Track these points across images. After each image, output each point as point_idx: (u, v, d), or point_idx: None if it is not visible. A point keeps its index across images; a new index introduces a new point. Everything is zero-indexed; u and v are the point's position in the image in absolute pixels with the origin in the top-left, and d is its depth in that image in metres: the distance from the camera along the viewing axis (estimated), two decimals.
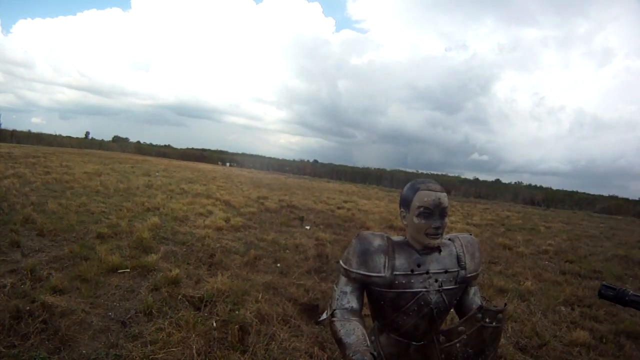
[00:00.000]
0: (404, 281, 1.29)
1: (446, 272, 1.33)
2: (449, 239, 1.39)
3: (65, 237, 5.15)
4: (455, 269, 1.34)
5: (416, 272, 1.30)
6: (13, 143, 35.33)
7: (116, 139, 65.71)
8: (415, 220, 1.28)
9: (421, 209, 1.26)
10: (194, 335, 2.84)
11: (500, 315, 1.24)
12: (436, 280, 1.32)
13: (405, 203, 1.32)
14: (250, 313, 3.29)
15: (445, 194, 1.29)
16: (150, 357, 2.60)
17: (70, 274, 3.78)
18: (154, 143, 66.20)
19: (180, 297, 3.53)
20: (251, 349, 2.82)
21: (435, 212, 1.26)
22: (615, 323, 4.16)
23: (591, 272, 6.49)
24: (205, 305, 3.42)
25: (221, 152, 63.91)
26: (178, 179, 16.67)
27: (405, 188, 1.34)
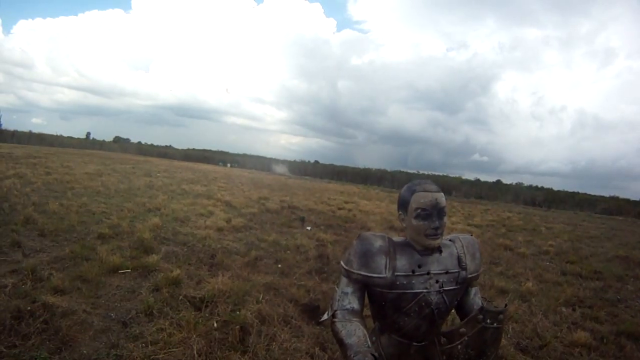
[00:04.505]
0: (405, 282, 1.29)
1: (447, 272, 1.33)
2: (450, 240, 1.39)
3: (66, 238, 5.16)
4: (456, 270, 1.34)
5: (417, 273, 1.30)
6: (14, 143, 35.39)
7: (117, 139, 65.88)
8: (414, 222, 1.28)
9: (419, 211, 1.27)
10: (194, 336, 2.83)
11: (501, 316, 1.24)
12: (437, 281, 1.32)
13: (403, 206, 1.32)
14: (251, 314, 3.29)
15: (442, 194, 1.29)
16: (151, 357, 2.60)
17: (71, 274, 3.78)
18: (155, 144, 66.39)
19: (181, 297, 3.53)
20: (252, 349, 2.82)
21: (433, 213, 1.26)
22: (616, 324, 4.15)
23: (592, 273, 6.47)
24: (206, 306, 3.42)
25: (222, 152, 64.06)
26: (179, 179, 16.68)
27: (402, 190, 1.35)
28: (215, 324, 3.07)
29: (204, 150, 62.20)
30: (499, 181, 53.24)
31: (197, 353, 2.66)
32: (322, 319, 1.42)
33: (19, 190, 8.28)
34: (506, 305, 1.44)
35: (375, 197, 21.21)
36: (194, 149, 62.12)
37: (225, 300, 3.53)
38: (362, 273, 1.30)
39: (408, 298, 1.31)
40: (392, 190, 33.08)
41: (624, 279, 6.36)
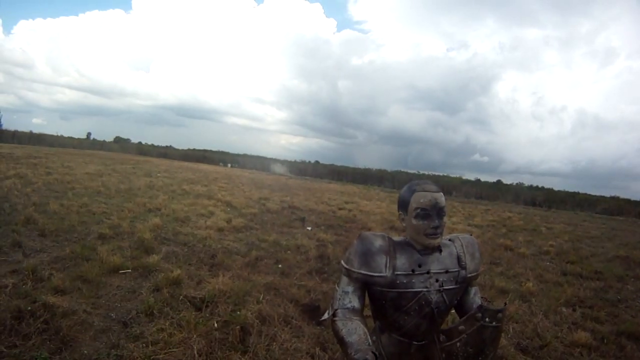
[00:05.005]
0: (405, 281, 1.30)
1: (447, 272, 1.34)
2: (449, 240, 1.40)
3: (66, 238, 5.16)
4: (456, 269, 1.35)
5: (417, 272, 1.31)
6: (14, 144, 35.40)
7: (117, 139, 65.90)
8: (414, 221, 1.29)
9: (418, 210, 1.27)
10: (195, 336, 2.84)
11: (500, 315, 1.24)
12: (437, 280, 1.32)
13: (403, 205, 1.33)
14: (251, 314, 3.29)
15: (441, 193, 1.30)
16: (152, 357, 2.60)
17: (72, 275, 3.78)
18: (156, 144, 66.42)
19: (181, 297, 3.53)
20: (252, 349, 2.82)
21: (432, 213, 1.27)
22: (617, 324, 4.15)
23: (592, 273, 6.47)
24: (207, 306, 3.42)
25: (222, 153, 64.07)
26: (179, 179, 16.69)
27: (402, 191, 1.36)
28: (215, 324, 3.07)
29: (205, 151, 62.27)
30: (499, 181, 53.27)
31: (197, 353, 2.66)
32: (323, 318, 1.43)
33: (19, 191, 8.29)
34: (505, 304, 1.44)
35: (375, 197, 21.21)
36: (194, 149, 62.20)
37: (225, 301, 3.54)
38: (363, 272, 1.31)
39: (408, 297, 1.31)
40: (392, 191, 33.07)
41: (625, 279, 6.36)
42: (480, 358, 1.26)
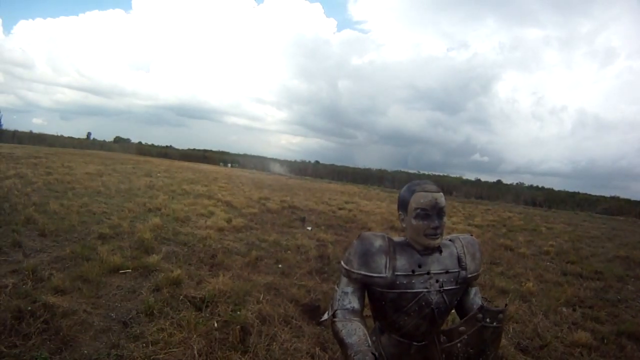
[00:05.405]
0: (405, 282, 1.29)
1: (447, 272, 1.33)
2: (450, 240, 1.39)
3: (66, 238, 5.16)
4: (456, 270, 1.35)
5: (417, 273, 1.30)
6: (15, 144, 35.41)
7: (118, 139, 65.92)
8: (414, 222, 1.28)
9: (418, 211, 1.27)
10: (195, 336, 2.84)
11: (500, 316, 1.24)
12: (437, 281, 1.32)
13: (402, 205, 1.33)
14: (251, 314, 3.30)
15: (441, 193, 1.29)
16: (152, 357, 2.60)
17: (72, 275, 3.78)
18: (156, 144, 66.42)
19: (181, 297, 3.53)
20: (252, 349, 2.82)
21: (432, 213, 1.26)
22: (617, 324, 4.15)
23: (593, 273, 6.47)
24: (207, 306, 3.43)
25: (222, 152, 64.08)
26: (179, 179, 16.69)
27: (402, 191, 1.35)
28: (215, 324, 3.07)
29: (205, 151, 62.19)
30: (499, 181, 53.22)
31: (197, 353, 2.66)
32: (323, 319, 1.42)
33: (19, 190, 8.28)
34: (506, 305, 1.45)
35: (375, 197, 21.21)
36: (194, 149, 62.13)
37: (225, 300, 3.54)
38: (362, 273, 1.30)
39: (408, 298, 1.31)
40: (392, 191, 33.03)
41: (625, 279, 6.36)
42: (480, 359, 1.26)
